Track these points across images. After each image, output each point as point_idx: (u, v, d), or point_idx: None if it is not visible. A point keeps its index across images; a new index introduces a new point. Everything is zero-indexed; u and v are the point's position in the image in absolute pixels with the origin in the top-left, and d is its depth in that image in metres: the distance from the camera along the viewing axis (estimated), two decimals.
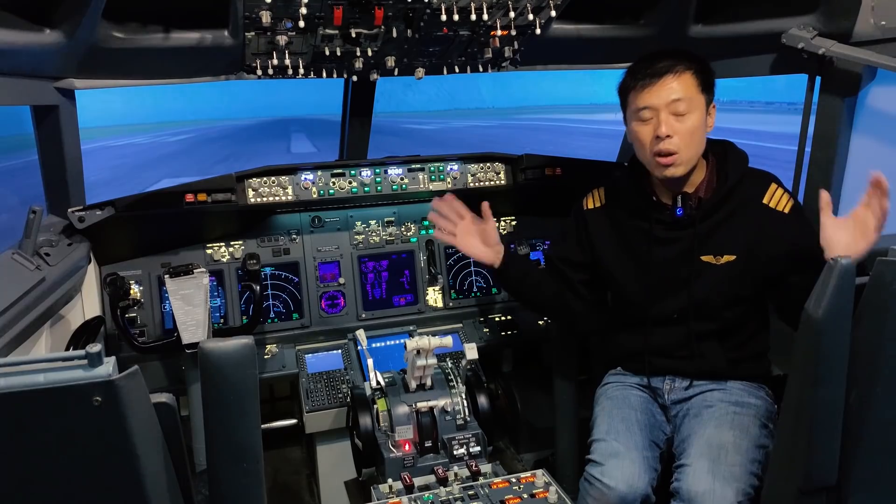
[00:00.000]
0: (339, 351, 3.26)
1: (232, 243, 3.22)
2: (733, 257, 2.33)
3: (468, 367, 2.56)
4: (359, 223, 3.39)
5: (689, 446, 2.26)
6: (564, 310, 2.71)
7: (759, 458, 2.20)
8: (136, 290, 3.05)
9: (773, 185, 2.34)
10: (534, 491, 2.11)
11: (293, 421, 3.40)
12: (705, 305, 2.38)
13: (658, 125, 2.23)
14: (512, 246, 3.53)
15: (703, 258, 2.35)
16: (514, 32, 2.59)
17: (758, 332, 2.48)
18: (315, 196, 3.15)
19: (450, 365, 2.60)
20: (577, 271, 2.64)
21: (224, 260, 3.20)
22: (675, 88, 2.23)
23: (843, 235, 1.96)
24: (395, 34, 2.57)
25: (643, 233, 2.43)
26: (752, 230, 2.31)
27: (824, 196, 2.01)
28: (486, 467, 2.30)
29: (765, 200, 2.32)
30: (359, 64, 2.71)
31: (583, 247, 2.62)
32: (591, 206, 2.61)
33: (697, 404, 2.40)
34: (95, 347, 1.25)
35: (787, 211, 2.31)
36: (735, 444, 2.20)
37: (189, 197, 2.90)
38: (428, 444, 2.38)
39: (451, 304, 3.45)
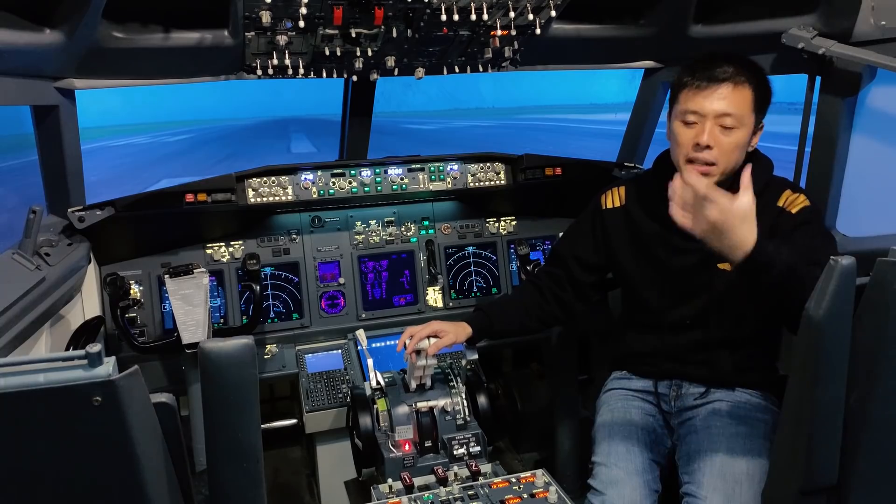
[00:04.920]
0: (339, 351, 3.26)
1: (232, 243, 3.22)
2: None
3: (468, 367, 2.56)
4: (359, 223, 3.39)
5: (699, 471, 2.20)
6: (562, 315, 2.61)
7: None
8: (136, 290, 3.05)
9: (789, 190, 2.27)
10: (534, 491, 2.11)
11: (293, 421, 3.40)
12: (720, 313, 2.32)
13: (701, 132, 2.13)
14: (511, 247, 3.53)
15: (720, 266, 2.27)
16: (514, 32, 2.59)
17: (770, 341, 2.43)
18: (315, 196, 3.14)
19: (450, 365, 2.60)
20: (589, 273, 2.55)
21: (224, 260, 3.20)
22: (730, 101, 2.12)
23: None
24: (395, 34, 2.57)
25: (662, 239, 2.36)
26: (765, 235, 2.19)
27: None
28: (486, 467, 2.30)
29: (779, 203, 2.24)
30: (359, 64, 2.72)
31: (598, 249, 2.53)
32: (609, 205, 2.52)
33: (705, 418, 2.33)
34: (95, 347, 1.25)
35: (794, 211, 2.22)
36: (749, 476, 2.14)
37: (189, 197, 2.89)
38: (428, 444, 2.38)
39: (451, 304, 3.45)
